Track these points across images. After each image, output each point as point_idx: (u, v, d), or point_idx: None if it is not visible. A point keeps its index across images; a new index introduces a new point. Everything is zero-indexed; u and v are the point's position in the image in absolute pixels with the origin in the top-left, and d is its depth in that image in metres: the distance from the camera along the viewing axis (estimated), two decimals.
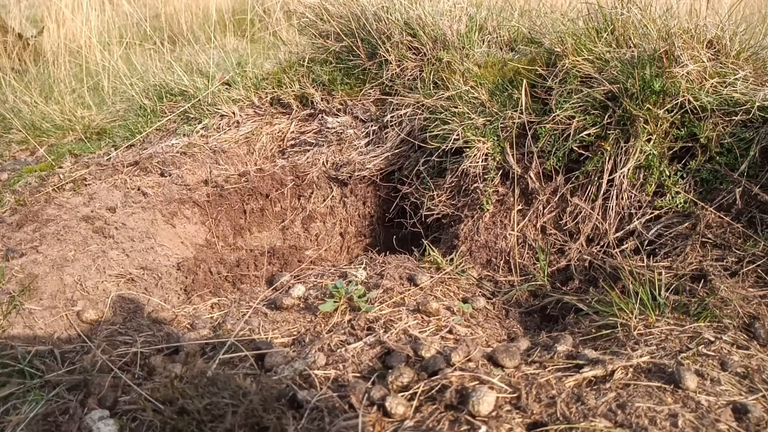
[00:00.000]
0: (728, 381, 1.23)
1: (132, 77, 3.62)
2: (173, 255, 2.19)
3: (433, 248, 2.13)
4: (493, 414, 1.15)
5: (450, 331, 1.58)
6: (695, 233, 1.78)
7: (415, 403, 1.21)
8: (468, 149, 2.23)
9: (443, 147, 2.29)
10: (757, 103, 1.82)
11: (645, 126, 1.92)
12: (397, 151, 2.61)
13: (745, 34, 2.11)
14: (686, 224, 1.83)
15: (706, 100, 1.88)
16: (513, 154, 2.18)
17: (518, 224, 2.13)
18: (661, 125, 1.93)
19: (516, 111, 2.19)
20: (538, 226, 2.11)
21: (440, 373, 1.29)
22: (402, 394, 1.25)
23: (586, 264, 1.96)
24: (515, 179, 2.17)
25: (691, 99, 1.89)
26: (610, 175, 1.99)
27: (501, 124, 2.22)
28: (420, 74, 2.68)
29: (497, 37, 2.82)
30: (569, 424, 1.11)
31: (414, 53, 2.71)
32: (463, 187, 2.30)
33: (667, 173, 1.93)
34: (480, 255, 2.15)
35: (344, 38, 2.89)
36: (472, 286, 2.00)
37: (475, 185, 2.23)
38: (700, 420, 1.11)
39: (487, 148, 2.21)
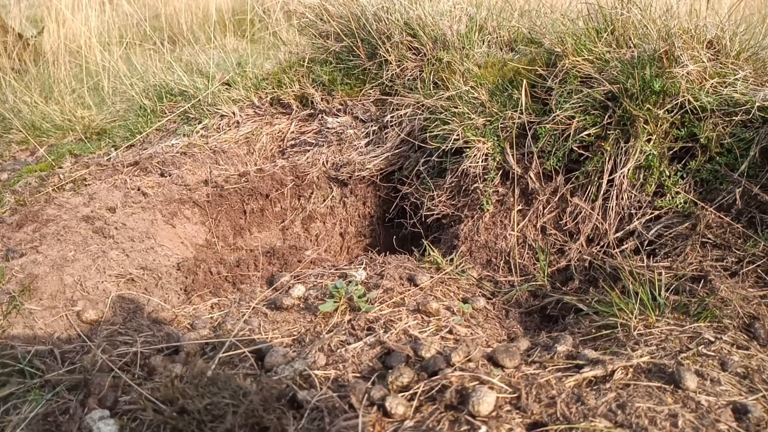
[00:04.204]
0: (728, 381, 1.23)
1: (132, 77, 3.62)
2: (173, 255, 2.19)
3: (433, 248, 2.13)
4: (493, 414, 1.16)
5: (450, 332, 1.58)
6: (695, 233, 1.78)
7: (415, 403, 1.21)
8: (468, 149, 2.23)
9: (443, 147, 2.29)
10: (757, 103, 1.82)
11: (645, 126, 1.92)
12: (397, 151, 2.61)
13: (745, 34, 2.11)
14: (686, 224, 1.83)
15: (706, 100, 1.88)
16: (513, 154, 2.18)
17: (518, 224, 2.13)
18: (661, 125, 1.93)
19: (516, 111, 2.19)
20: (538, 226, 2.11)
21: (440, 373, 1.29)
22: (402, 394, 1.25)
23: (586, 264, 1.96)
24: (515, 179, 2.17)
25: (691, 99, 1.89)
26: (610, 175, 1.99)
27: (501, 124, 2.22)
28: (420, 74, 2.68)
29: (497, 38, 2.82)
30: (569, 424, 1.11)
31: (414, 53, 2.71)
32: (463, 187, 2.30)
33: (667, 173, 1.93)
34: (480, 255, 2.15)
35: (344, 38, 2.89)
36: (472, 286, 2.00)
37: (475, 185, 2.23)
38: (700, 420, 1.11)
39: (487, 148, 2.21)
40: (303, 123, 2.97)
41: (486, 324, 1.74)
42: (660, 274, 1.66)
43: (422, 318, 1.63)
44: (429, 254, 2.10)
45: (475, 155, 2.21)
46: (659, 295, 1.58)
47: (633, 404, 1.15)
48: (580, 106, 2.06)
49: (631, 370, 1.28)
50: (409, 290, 1.80)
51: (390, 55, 2.71)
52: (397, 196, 2.58)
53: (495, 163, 2.21)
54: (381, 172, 2.67)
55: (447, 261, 2.08)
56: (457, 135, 2.25)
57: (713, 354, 1.32)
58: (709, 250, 1.73)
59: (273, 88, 3.03)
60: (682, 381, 1.20)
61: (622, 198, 1.97)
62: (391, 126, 2.65)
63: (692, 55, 1.96)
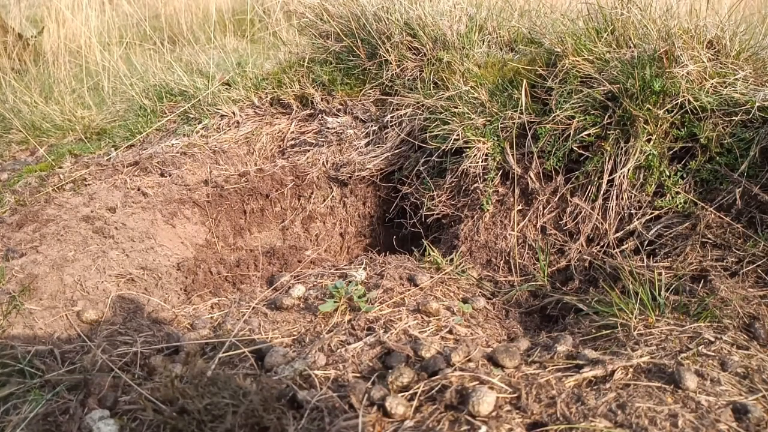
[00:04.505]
0: (728, 381, 1.23)
1: (132, 77, 3.62)
2: (173, 255, 2.19)
3: (433, 248, 2.13)
4: (493, 414, 1.15)
5: (450, 332, 1.58)
6: (695, 233, 1.78)
7: (415, 403, 1.21)
8: (468, 149, 2.23)
9: (443, 147, 2.29)
10: (757, 103, 1.82)
11: (645, 126, 1.92)
12: (397, 151, 2.61)
13: (745, 35, 2.11)
14: (686, 224, 1.83)
15: (706, 100, 1.88)
16: (513, 154, 2.18)
17: (518, 224, 2.13)
18: (661, 125, 1.93)
19: (516, 111, 2.19)
20: (538, 226, 2.11)
21: (440, 373, 1.29)
22: (402, 394, 1.25)
23: (586, 264, 1.96)
24: (515, 179, 2.17)
25: (691, 99, 1.89)
26: (610, 175, 1.99)
27: (501, 124, 2.22)
28: (420, 74, 2.68)
29: (497, 38, 2.82)
30: (569, 424, 1.11)
31: (414, 53, 2.71)
32: (463, 187, 2.30)
33: (667, 173, 1.93)
34: (480, 255, 2.15)
35: (344, 38, 2.89)
36: (472, 286, 2.00)
37: (475, 185, 2.23)
38: (700, 420, 1.11)
39: (487, 148, 2.21)
40: (303, 123, 2.97)
41: (486, 324, 1.74)
42: (660, 274, 1.66)
43: (422, 318, 1.63)
44: (429, 254, 2.10)
45: (475, 155, 2.21)
46: (659, 295, 1.58)
47: (633, 404, 1.15)
48: (580, 106, 2.06)
49: (631, 370, 1.28)
50: (409, 290, 1.80)
51: (390, 55, 2.71)
52: (397, 196, 2.58)
53: (495, 163, 2.21)
54: (381, 172, 2.67)
55: (447, 261, 2.08)
56: (457, 135, 2.25)
57: (713, 354, 1.32)
58: (709, 250, 1.73)
59: (273, 88, 3.03)
60: (682, 381, 1.20)
61: (622, 198, 1.97)
62: (391, 126, 2.65)
63: (692, 55, 1.96)
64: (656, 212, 1.92)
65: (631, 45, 2.13)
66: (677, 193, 1.90)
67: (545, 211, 2.10)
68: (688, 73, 1.92)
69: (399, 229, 2.64)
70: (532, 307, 1.90)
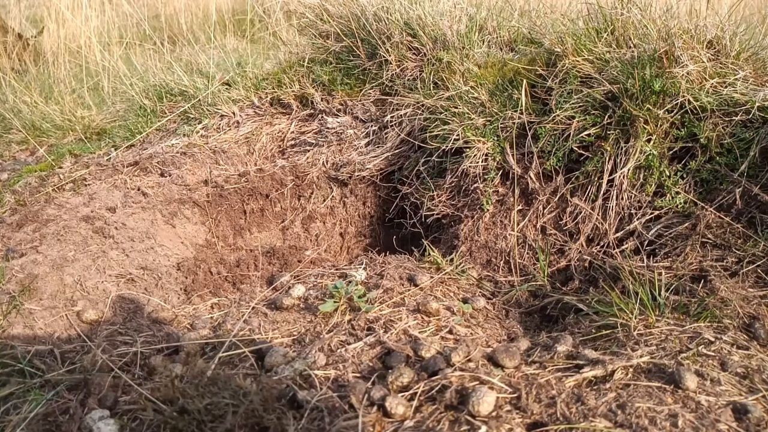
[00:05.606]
0: (728, 381, 1.23)
1: (132, 77, 3.62)
2: (173, 255, 2.19)
3: (433, 248, 2.13)
4: (493, 414, 1.15)
5: (450, 332, 1.58)
6: (695, 233, 1.78)
7: (415, 403, 1.21)
8: (468, 149, 2.23)
9: (443, 147, 2.29)
10: (757, 103, 1.82)
11: (645, 126, 1.92)
12: (397, 151, 2.61)
13: (745, 35, 2.11)
14: (686, 224, 1.83)
15: (706, 100, 1.88)
16: (513, 154, 2.18)
17: (518, 224, 2.13)
18: (661, 125, 1.93)
19: (516, 111, 2.19)
20: (538, 226, 2.11)
21: (440, 373, 1.29)
22: (402, 394, 1.25)
23: (586, 264, 1.96)
24: (515, 179, 2.17)
25: (691, 99, 1.89)
26: (610, 175, 1.99)
27: (501, 124, 2.22)
28: (420, 74, 2.68)
29: (497, 38, 2.82)
30: (569, 425, 1.11)
31: (414, 53, 2.71)
32: (463, 187, 2.30)
33: (667, 173, 1.93)
34: (480, 255, 2.15)
35: (344, 38, 2.89)
36: (472, 286, 2.00)
37: (475, 185, 2.23)
38: (700, 420, 1.11)
39: (487, 148, 2.21)
40: (303, 123, 2.97)
41: (486, 324, 1.74)
42: (660, 274, 1.66)
43: (422, 318, 1.63)
44: (429, 254, 2.10)
45: (475, 155, 2.21)
46: (659, 295, 1.58)
47: (633, 404, 1.15)
48: (580, 106, 2.06)
49: (631, 370, 1.28)
50: (409, 290, 1.80)
51: (390, 55, 2.71)
52: (397, 196, 2.58)
53: (495, 163, 2.21)
54: (381, 172, 2.67)
55: (447, 261, 2.08)
56: (457, 135, 2.25)
57: (713, 354, 1.32)
58: (709, 250, 1.73)
59: (273, 88, 3.03)
60: (682, 381, 1.20)
61: (622, 198, 1.97)
62: (391, 126, 2.65)
63: (692, 55, 1.96)
64: (656, 212, 1.92)
65: (631, 45, 2.13)
66: (677, 193, 1.90)
67: (545, 211, 2.10)
68: (688, 73, 1.92)
69: (399, 229, 2.64)
70: (532, 307, 1.90)
